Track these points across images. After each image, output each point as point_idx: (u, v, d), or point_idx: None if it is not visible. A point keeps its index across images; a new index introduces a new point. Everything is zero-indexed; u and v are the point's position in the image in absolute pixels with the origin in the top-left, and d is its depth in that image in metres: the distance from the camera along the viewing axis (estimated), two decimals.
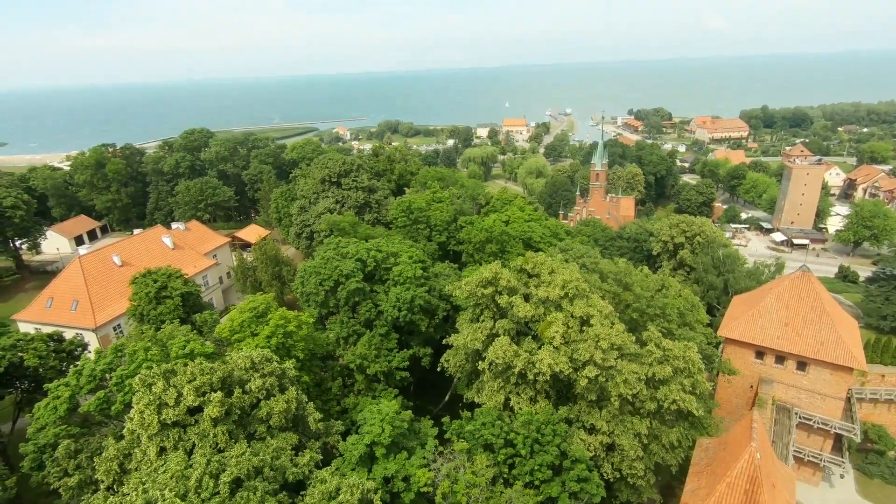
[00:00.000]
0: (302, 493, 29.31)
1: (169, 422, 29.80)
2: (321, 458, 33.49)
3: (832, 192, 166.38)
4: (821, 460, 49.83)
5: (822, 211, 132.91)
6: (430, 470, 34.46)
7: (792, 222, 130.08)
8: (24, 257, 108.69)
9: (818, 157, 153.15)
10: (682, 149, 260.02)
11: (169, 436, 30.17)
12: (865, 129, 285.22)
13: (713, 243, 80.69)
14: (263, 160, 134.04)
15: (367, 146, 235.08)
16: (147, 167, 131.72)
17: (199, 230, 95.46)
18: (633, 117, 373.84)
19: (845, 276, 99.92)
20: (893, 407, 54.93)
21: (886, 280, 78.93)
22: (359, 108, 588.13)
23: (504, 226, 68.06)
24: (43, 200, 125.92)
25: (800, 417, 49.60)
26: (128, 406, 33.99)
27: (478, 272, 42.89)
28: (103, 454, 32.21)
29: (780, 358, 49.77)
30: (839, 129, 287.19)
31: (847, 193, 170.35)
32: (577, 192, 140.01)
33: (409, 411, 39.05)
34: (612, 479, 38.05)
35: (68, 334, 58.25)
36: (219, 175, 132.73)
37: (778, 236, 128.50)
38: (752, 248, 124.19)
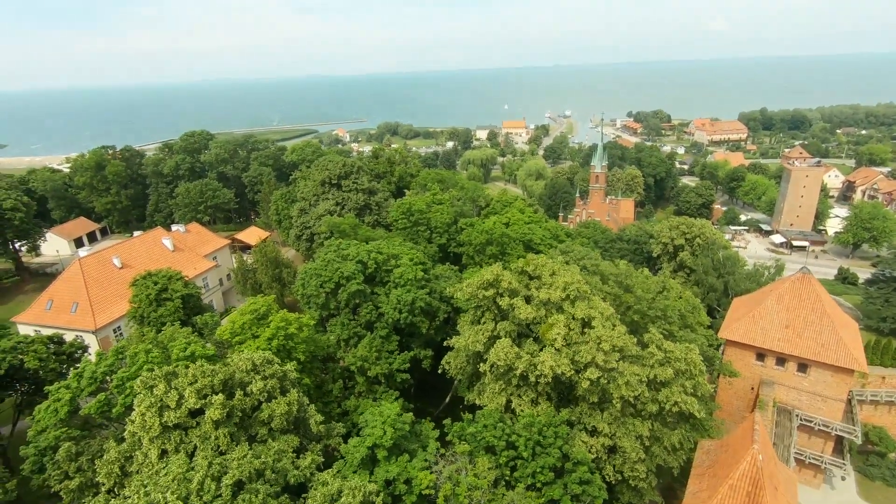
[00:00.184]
0: (304, 495, 29.23)
1: (170, 424, 29.74)
2: (323, 460, 33.39)
3: (831, 194, 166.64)
4: (822, 462, 49.84)
5: (821, 213, 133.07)
6: (431, 472, 34.36)
7: (791, 224, 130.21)
8: (24, 259, 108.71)
9: (817, 159, 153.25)
10: (681, 151, 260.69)
11: (170, 438, 30.09)
12: (864, 132, 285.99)
13: (713, 245, 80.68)
14: (263, 162, 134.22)
15: (367, 148, 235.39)
16: (147, 169, 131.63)
17: (199, 232, 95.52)
18: (632, 119, 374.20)
19: (845, 278, 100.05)
20: (894, 409, 55.05)
21: (886, 282, 78.92)
22: (358, 109, 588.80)
23: (504, 228, 68.04)
24: (43, 202, 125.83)
25: (801, 419, 49.59)
26: (129, 408, 33.98)
27: (479, 274, 42.92)
28: (104, 457, 32.11)
29: (781, 360, 49.74)
30: (838, 131, 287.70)
31: (846, 195, 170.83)
32: (577, 194, 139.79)
33: (411, 413, 38.85)
34: (613, 482, 38.01)
35: (68, 336, 58.09)
36: (219, 177, 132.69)
37: (777, 238, 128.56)
38: (752, 249, 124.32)
